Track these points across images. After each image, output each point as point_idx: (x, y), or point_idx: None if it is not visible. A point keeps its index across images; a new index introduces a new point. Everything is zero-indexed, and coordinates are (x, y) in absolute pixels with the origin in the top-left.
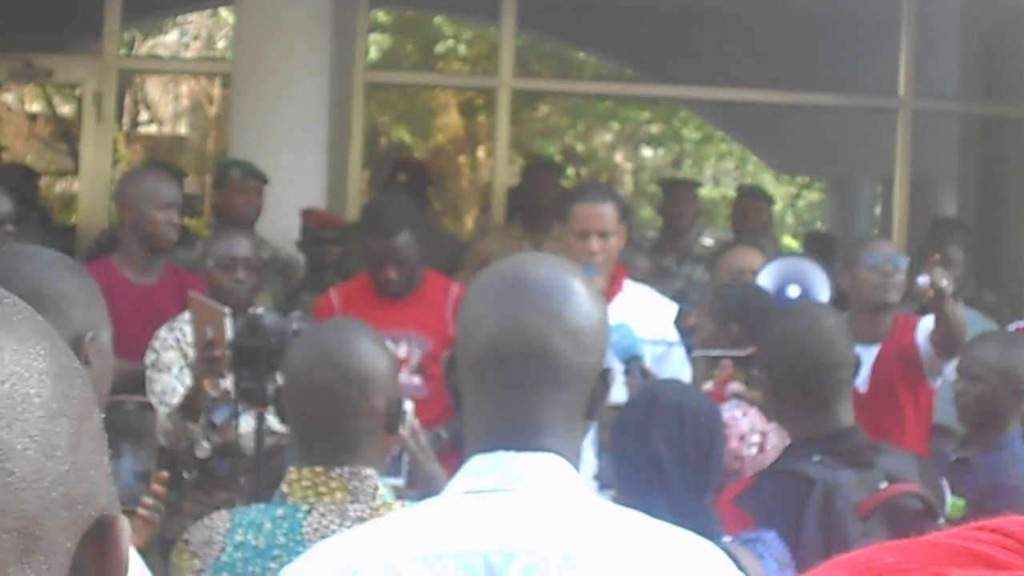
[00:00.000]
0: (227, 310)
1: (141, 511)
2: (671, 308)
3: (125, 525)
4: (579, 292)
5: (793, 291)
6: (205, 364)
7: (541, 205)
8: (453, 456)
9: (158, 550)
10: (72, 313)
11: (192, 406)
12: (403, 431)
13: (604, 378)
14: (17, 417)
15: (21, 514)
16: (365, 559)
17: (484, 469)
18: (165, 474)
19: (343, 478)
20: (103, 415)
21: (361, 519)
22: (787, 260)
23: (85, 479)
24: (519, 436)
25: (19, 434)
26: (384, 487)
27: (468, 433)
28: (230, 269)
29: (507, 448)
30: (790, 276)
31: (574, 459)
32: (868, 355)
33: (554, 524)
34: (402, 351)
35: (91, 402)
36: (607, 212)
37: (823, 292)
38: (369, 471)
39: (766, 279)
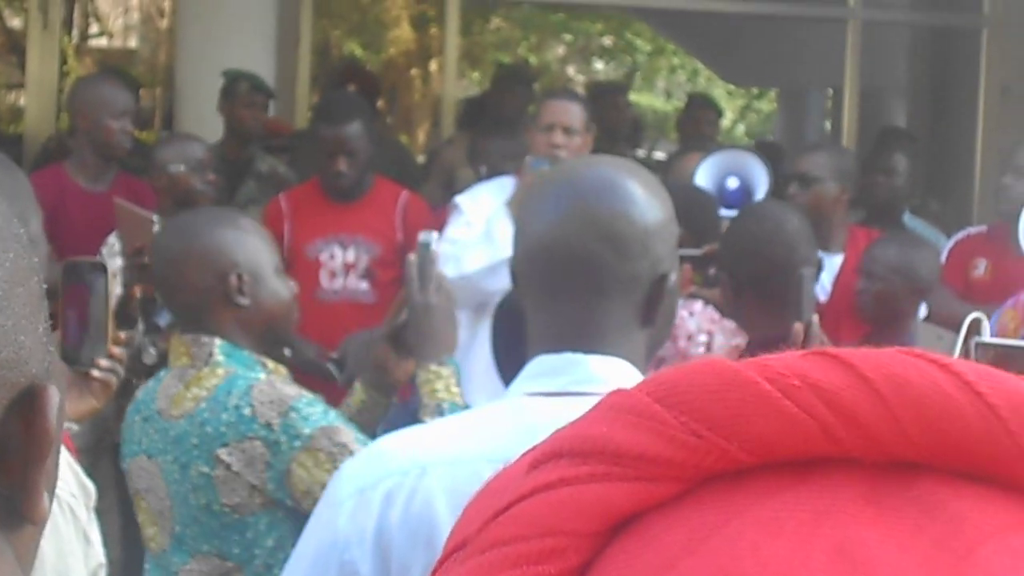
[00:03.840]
0: (155, 217)
1: (96, 373)
2: None
3: (54, 395)
4: (626, 195)
5: (732, 182)
6: (134, 271)
7: (509, 114)
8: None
9: (109, 454)
10: None
11: (124, 312)
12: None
13: (659, 284)
14: None
15: None
16: (431, 458)
17: (550, 370)
18: (123, 335)
19: None
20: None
21: None
22: (726, 152)
23: (11, 344)
24: (575, 339)
25: None
26: None
27: (530, 332)
28: (201, 171)
29: (571, 349)
30: (729, 168)
31: (639, 365)
32: (828, 264)
33: None
34: (350, 255)
35: (26, 268)
36: (574, 109)
37: (762, 183)
38: None
39: (705, 171)
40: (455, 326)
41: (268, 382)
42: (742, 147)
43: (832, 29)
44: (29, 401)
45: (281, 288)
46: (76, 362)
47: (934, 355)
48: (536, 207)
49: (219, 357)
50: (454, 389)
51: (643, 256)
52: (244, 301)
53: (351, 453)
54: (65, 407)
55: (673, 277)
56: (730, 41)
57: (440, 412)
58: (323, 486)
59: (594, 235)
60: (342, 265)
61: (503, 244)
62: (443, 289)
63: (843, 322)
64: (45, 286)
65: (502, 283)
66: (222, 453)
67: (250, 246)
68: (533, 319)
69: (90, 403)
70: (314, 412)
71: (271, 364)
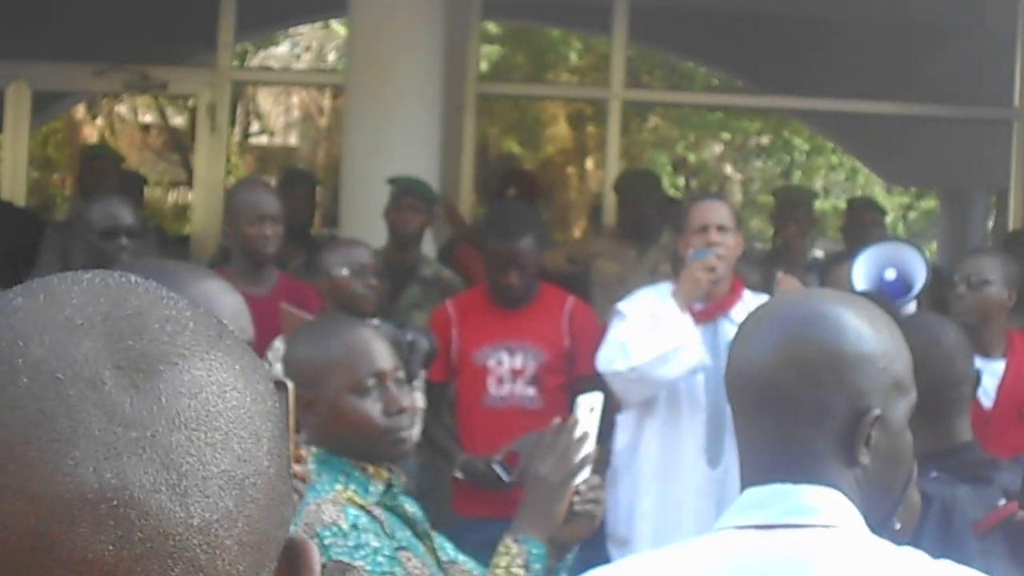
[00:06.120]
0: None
1: None
2: None
3: (315, 552)
4: (824, 323)
5: (890, 274)
6: None
7: (642, 212)
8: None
9: None
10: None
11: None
12: None
13: (861, 420)
14: (263, 435)
15: (259, 531)
16: None
17: (759, 502)
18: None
19: None
20: None
21: None
22: (885, 244)
23: (289, 501)
24: (779, 469)
25: (266, 452)
26: None
27: (741, 463)
28: (364, 276)
29: (778, 480)
30: (888, 260)
31: (855, 501)
32: (988, 369)
33: (838, 563)
34: (517, 362)
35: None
36: (723, 208)
37: (920, 276)
38: None
39: (864, 263)
40: (560, 503)
41: (319, 504)
42: (901, 239)
43: (996, 130)
44: (291, 556)
45: (356, 408)
46: None
47: None
48: (741, 334)
49: (311, 465)
50: (514, 571)
51: (835, 385)
52: (311, 419)
53: None
54: None
55: (894, 418)
56: (891, 142)
57: None
58: None
59: (782, 360)
60: (509, 371)
61: (670, 334)
62: (563, 463)
63: (1010, 429)
64: None
65: (673, 372)
66: None
67: (326, 364)
68: (741, 449)
69: None
70: (338, 543)
71: (372, 469)
